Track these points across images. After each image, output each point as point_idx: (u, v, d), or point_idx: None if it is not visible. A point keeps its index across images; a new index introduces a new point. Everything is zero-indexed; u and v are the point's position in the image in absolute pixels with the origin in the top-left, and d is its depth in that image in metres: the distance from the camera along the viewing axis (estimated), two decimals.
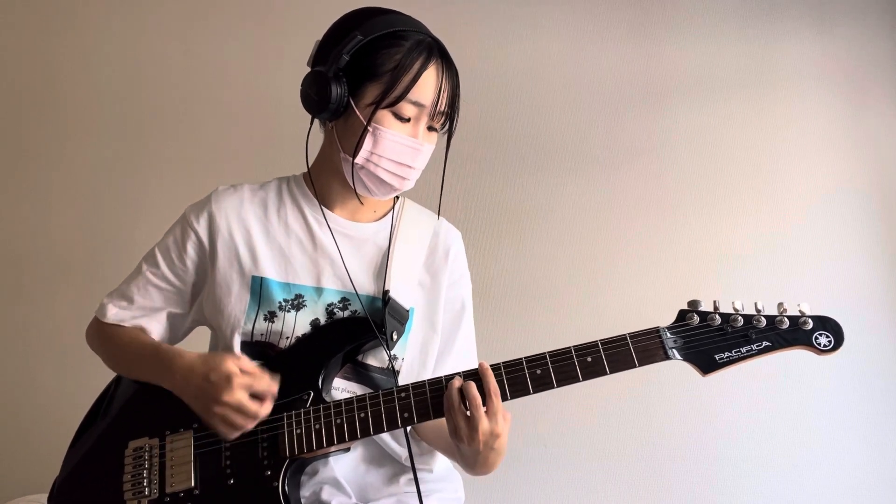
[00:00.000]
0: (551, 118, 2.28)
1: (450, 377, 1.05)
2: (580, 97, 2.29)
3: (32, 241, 2.27)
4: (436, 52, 1.12)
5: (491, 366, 1.04)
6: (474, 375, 1.04)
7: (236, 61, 2.35)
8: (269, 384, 1.05)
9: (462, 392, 1.01)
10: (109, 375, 1.26)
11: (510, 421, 1.04)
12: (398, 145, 1.11)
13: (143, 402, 1.17)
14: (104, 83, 2.35)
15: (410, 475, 1.15)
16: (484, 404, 1.00)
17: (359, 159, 1.11)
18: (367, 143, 1.10)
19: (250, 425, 1.04)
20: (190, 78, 2.34)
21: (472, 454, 1.03)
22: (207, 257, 1.18)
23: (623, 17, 2.34)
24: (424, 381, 1.06)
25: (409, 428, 1.13)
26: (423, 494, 1.10)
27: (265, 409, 1.04)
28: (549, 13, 2.35)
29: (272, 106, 2.28)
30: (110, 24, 2.38)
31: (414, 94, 1.09)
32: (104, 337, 1.22)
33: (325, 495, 1.11)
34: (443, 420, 1.07)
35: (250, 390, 1.03)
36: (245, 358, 1.06)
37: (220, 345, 1.18)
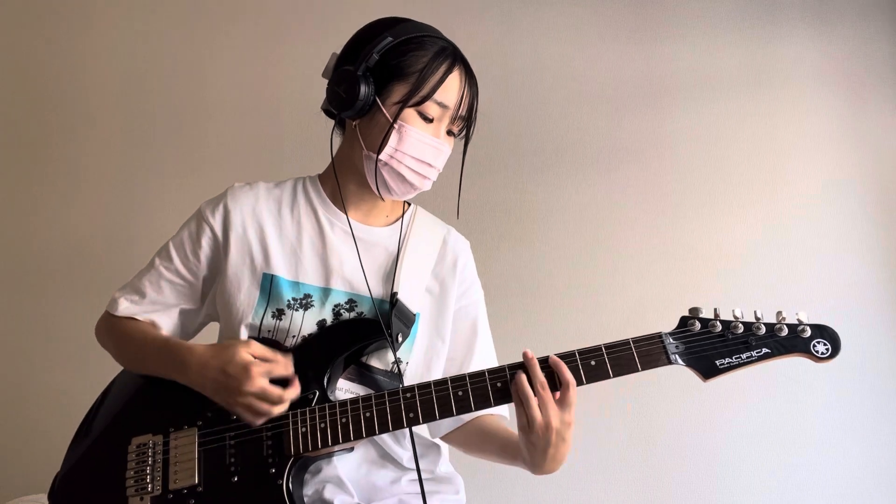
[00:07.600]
0: (551, 118, 2.29)
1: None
2: (580, 97, 2.29)
3: (37, 238, 2.26)
4: (459, 59, 1.17)
5: (493, 367, 1.06)
6: (521, 367, 1.03)
7: (246, 61, 2.34)
8: (286, 366, 1.05)
9: (531, 382, 1.01)
10: (111, 374, 1.25)
11: None
12: (422, 143, 1.14)
13: (147, 398, 1.17)
14: (114, 82, 2.34)
15: (413, 476, 1.16)
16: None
17: (383, 156, 1.13)
18: (393, 139, 1.12)
19: (277, 410, 1.03)
20: (200, 77, 2.34)
21: (544, 447, 1.01)
22: (221, 251, 1.19)
23: (623, 18, 2.34)
24: (430, 381, 1.07)
25: (414, 428, 1.14)
26: (425, 495, 1.10)
27: (291, 393, 1.04)
28: (549, 13, 2.34)
29: (281, 106, 2.28)
30: (121, 25, 2.37)
31: (439, 95, 1.13)
32: (115, 331, 1.22)
33: (327, 494, 1.12)
34: (487, 422, 1.09)
35: (270, 376, 1.03)
36: (255, 343, 1.06)
37: (228, 339, 1.18)
